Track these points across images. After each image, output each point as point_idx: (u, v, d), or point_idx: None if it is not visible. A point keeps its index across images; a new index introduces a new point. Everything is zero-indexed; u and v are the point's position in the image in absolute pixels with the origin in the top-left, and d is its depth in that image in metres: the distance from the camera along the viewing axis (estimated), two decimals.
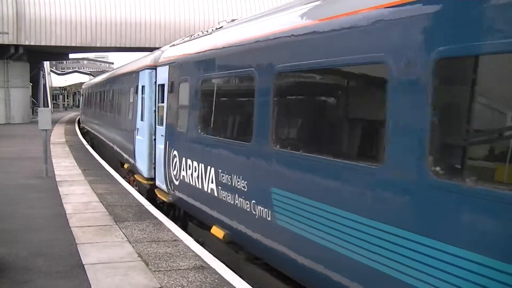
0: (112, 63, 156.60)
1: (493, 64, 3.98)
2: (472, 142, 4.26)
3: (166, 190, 11.87)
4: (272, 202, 6.70)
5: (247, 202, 7.40)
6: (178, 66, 11.35)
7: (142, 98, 14.44)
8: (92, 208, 11.55)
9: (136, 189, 14.54)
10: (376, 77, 5.32)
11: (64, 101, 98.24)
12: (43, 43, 43.61)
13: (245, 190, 7.50)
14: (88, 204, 11.98)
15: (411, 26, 4.55)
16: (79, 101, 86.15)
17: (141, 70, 14.78)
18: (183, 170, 10.32)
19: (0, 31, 40.00)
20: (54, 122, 40.24)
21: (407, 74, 4.55)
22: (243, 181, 7.57)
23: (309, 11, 6.44)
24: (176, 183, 10.85)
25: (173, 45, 13.26)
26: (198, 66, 9.97)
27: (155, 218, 10.78)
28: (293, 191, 6.27)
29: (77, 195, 13.09)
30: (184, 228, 10.65)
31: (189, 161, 10.01)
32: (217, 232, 8.62)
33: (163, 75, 12.48)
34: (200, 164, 9.35)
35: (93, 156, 22.50)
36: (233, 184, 7.85)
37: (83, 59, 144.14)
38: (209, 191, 8.87)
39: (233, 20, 10.19)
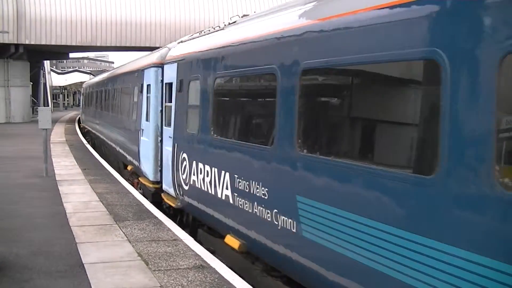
0: (113, 63, 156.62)
1: None
2: None
3: (174, 195, 11.32)
4: (298, 212, 6.07)
5: (268, 211, 6.79)
6: (188, 64, 10.67)
7: (148, 98, 13.78)
8: (92, 208, 11.56)
9: (140, 192, 14.01)
10: (425, 75, 4.64)
11: (64, 100, 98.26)
12: (43, 42, 43.61)
13: (266, 198, 6.87)
14: (88, 204, 11.99)
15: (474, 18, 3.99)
16: (79, 100, 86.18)
17: (147, 68, 14.10)
18: (194, 174, 9.69)
19: (0, 30, 40.01)
20: (54, 121, 40.21)
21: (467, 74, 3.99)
22: (263, 188, 6.96)
23: (342, 2, 5.76)
24: (186, 188, 10.29)
25: (181, 41, 12.54)
26: (210, 64, 9.25)
27: (155, 217, 10.78)
28: (323, 201, 5.64)
29: (77, 195, 13.09)
30: (193, 235, 10.00)
31: (200, 165, 9.38)
32: (232, 241, 8.01)
33: (171, 73, 11.81)
34: (213, 168, 8.73)
35: (93, 156, 22.51)
36: (252, 191, 7.24)
37: (83, 58, 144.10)
38: (223, 197, 8.26)
39: (245, 16, 9.53)
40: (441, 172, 4.13)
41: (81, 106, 47.17)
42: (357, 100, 5.74)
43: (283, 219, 6.43)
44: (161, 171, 12.61)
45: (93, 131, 30.06)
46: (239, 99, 8.74)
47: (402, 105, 5.03)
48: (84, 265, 7.59)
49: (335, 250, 5.40)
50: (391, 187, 4.70)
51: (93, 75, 68.19)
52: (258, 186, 7.08)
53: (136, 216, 10.85)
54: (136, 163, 15.25)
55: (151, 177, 13.18)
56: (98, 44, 45.40)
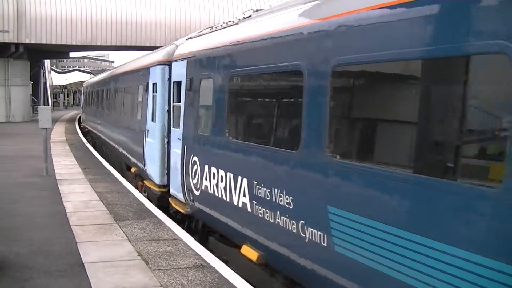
0: (113, 62, 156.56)
1: None
2: None
3: (183, 200, 10.69)
4: (329, 224, 5.47)
5: (293, 222, 6.18)
6: (198, 61, 9.99)
7: (153, 97, 13.12)
8: (92, 207, 11.56)
9: (144, 195, 13.53)
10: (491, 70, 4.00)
11: (65, 99, 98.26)
12: (43, 42, 43.66)
13: (291, 207, 6.26)
14: (88, 203, 11.99)
15: None
16: (79, 99, 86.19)
17: (152, 66, 13.44)
18: (206, 179, 9.03)
19: (0, 29, 40.02)
20: (55, 120, 40.19)
21: None
22: (287, 196, 6.34)
23: None
24: (197, 193, 9.60)
25: (190, 37, 11.86)
26: (225, 61, 8.62)
27: (155, 217, 10.78)
28: (360, 213, 5.04)
29: (77, 194, 13.09)
30: (203, 242, 9.45)
31: (213, 170, 8.71)
32: (249, 252, 7.45)
33: (179, 71, 11.17)
34: (228, 173, 8.09)
35: (93, 155, 22.51)
36: (274, 200, 6.63)
37: (83, 57, 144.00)
38: (240, 205, 7.65)
39: (258, 10, 8.94)
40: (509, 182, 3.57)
41: (81, 105, 46.87)
42: (400, 100, 5.04)
43: (311, 231, 5.82)
44: (167, 174, 12.13)
45: (94, 131, 29.54)
46: (258, 98, 8.09)
47: (458, 105, 4.27)
48: (84, 264, 7.59)
49: (375, 268, 4.79)
50: (445, 200, 4.09)
51: (93, 74, 68.19)
52: (281, 195, 6.47)
53: (136, 215, 10.84)
54: (140, 165, 14.69)
55: (157, 181, 12.63)
56: (99, 44, 45.45)
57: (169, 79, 12.25)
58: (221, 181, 8.35)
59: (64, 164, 18.85)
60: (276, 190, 6.61)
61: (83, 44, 45.67)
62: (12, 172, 16.79)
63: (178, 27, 43.91)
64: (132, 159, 16.15)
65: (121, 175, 16.77)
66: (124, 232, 9.40)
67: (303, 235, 5.99)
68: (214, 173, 8.68)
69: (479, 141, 4.16)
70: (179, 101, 11.03)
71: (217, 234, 9.44)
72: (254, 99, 8.18)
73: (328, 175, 5.60)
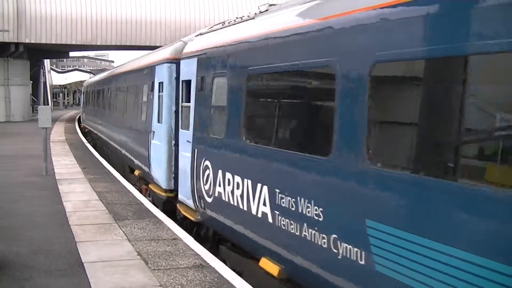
0: (113, 62, 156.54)
1: None
2: None
3: (192, 207, 10.06)
4: (368, 240, 4.88)
5: (323, 235, 5.61)
6: (211, 58, 9.32)
7: (160, 97, 12.49)
8: (92, 207, 11.56)
9: (149, 200, 12.98)
10: None
11: (64, 99, 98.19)
12: (43, 41, 43.67)
13: (320, 220, 5.68)
14: (88, 202, 11.99)
15: None
16: (79, 99, 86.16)
17: (158, 64, 12.82)
18: (219, 185, 8.42)
19: (0, 28, 40.03)
20: (54, 120, 40.16)
21: None
22: (316, 207, 5.74)
23: None
24: (209, 200, 8.98)
25: (200, 34, 11.17)
26: (241, 58, 8.05)
27: (155, 216, 10.78)
28: (407, 228, 4.43)
29: (77, 193, 13.10)
30: (214, 251, 8.94)
31: (228, 175, 8.10)
32: (269, 266, 6.88)
33: (189, 69, 10.49)
34: (245, 180, 7.49)
35: (93, 155, 22.51)
36: (300, 210, 6.03)
37: (83, 57, 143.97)
38: (259, 215, 7.06)
39: (273, 5, 8.37)
40: None
41: (81, 105, 46.50)
42: (457, 100, 4.30)
43: (346, 247, 5.22)
44: (175, 178, 11.59)
45: (95, 132, 28.94)
46: (280, 99, 7.34)
47: None
48: (84, 264, 7.59)
49: None
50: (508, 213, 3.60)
51: (93, 74, 68.18)
52: (309, 205, 5.87)
53: (136, 215, 10.85)
54: (145, 168, 14.01)
55: (163, 185, 12.05)
56: (98, 43, 45.48)
57: (177, 78, 11.70)
58: (237, 188, 7.75)
59: (64, 163, 18.86)
60: (302, 200, 5.99)
61: (83, 44, 45.69)
62: (12, 171, 16.79)
63: (178, 27, 43.94)
64: (136, 162, 15.53)
65: (124, 177, 16.34)
66: (123, 232, 9.41)
67: (335, 250, 5.39)
68: (229, 179, 8.08)
69: None
70: (189, 101, 10.46)
71: (229, 243, 8.92)
72: (276, 99, 7.43)
73: (366, 185, 4.99)
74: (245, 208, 7.49)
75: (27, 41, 43.11)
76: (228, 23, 9.67)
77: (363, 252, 4.97)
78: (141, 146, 14.60)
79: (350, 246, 5.16)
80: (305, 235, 5.95)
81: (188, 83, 10.62)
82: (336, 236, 5.40)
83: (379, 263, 4.75)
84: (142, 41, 44.45)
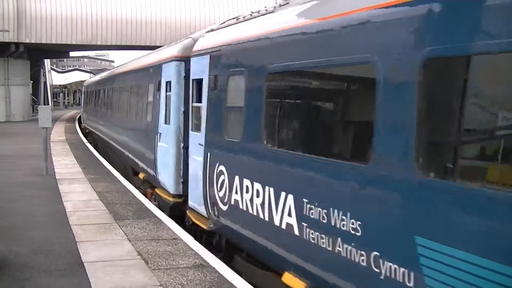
0: (113, 61, 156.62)
1: None
2: None
3: (205, 214, 9.43)
4: (418, 260, 4.31)
5: (362, 252, 5.03)
6: (225, 56, 8.72)
7: (167, 97, 11.95)
8: (92, 206, 11.56)
9: (154, 204, 12.43)
10: None
11: (65, 99, 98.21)
12: (43, 41, 43.70)
13: (358, 234, 5.08)
14: (88, 202, 11.99)
15: None
16: (79, 99, 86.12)
17: (165, 63, 12.25)
18: (236, 192, 7.81)
19: (0, 28, 40.05)
20: (55, 120, 40.10)
21: None
22: (353, 220, 5.15)
23: None
24: (223, 208, 8.37)
25: (212, 30, 10.43)
26: (261, 55, 7.42)
27: (155, 216, 10.79)
28: (469, 250, 3.86)
29: (77, 193, 13.10)
30: (227, 260, 8.49)
31: (246, 182, 7.51)
32: (294, 282, 6.34)
33: (200, 67, 9.81)
34: (266, 187, 6.89)
35: (93, 154, 22.51)
36: (333, 223, 5.45)
37: (83, 57, 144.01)
38: (283, 226, 6.46)
39: None
40: None
41: (82, 105, 46.17)
42: None
43: (390, 266, 4.67)
44: (183, 182, 11.08)
45: (96, 132, 28.30)
46: (306, 98, 6.73)
47: None
48: (84, 263, 7.59)
49: None
50: None
51: (93, 74, 68.20)
52: (344, 218, 5.28)
53: (136, 215, 10.85)
54: (151, 171, 13.36)
55: (171, 190, 11.49)
56: (98, 43, 45.52)
57: (185, 76, 11.14)
58: (257, 196, 7.14)
59: (64, 163, 18.86)
60: (336, 211, 5.41)
61: (83, 44, 45.73)
62: (12, 171, 16.80)
63: (178, 26, 43.96)
64: (141, 164, 14.85)
65: (127, 179, 15.89)
66: (123, 232, 9.41)
67: (376, 269, 4.83)
68: (247, 186, 7.46)
69: None
70: (200, 102, 9.77)
71: (244, 253, 8.38)
72: (303, 99, 6.83)
73: (416, 197, 4.40)
74: (266, 218, 6.88)
75: (27, 41, 43.14)
76: (243, 18, 8.95)
77: (411, 273, 4.40)
78: (146, 148, 14.00)
79: (395, 266, 4.59)
80: (338, 250, 5.36)
81: (199, 82, 9.96)
82: (377, 253, 4.81)
83: (433, 287, 4.19)
84: (142, 41, 44.46)
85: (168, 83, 11.95)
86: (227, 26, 9.56)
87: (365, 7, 5.18)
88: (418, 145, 4.39)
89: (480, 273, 3.75)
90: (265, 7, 8.39)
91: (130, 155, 16.83)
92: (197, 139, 9.78)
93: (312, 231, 5.85)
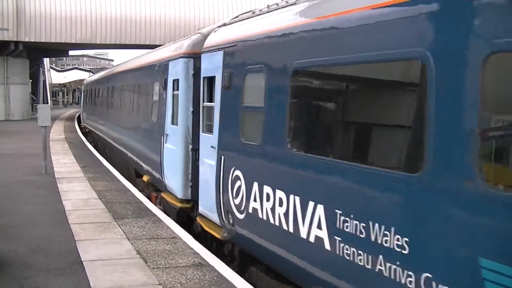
0: (112, 60, 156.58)
1: None
2: None
3: (217, 222, 8.82)
4: (483, 285, 3.79)
5: (409, 272, 4.45)
6: (242, 51, 8.10)
7: (174, 96, 11.39)
8: (91, 205, 11.56)
9: (160, 208, 11.95)
10: None
11: (64, 98, 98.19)
12: (43, 40, 43.68)
13: (405, 252, 4.49)
14: (87, 201, 11.99)
15: None
16: (78, 98, 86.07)
17: (172, 60, 11.67)
18: (255, 200, 7.21)
19: (0, 27, 40.02)
20: (54, 119, 40.19)
21: None
22: (398, 236, 4.55)
23: None
24: (240, 216, 7.76)
25: (225, 24, 9.69)
26: (285, 49, 6.78)
27: (154, 215, 10.79)
28: None
29: (76, 192, 13.10)
30: (240, 271, 8.01)
31: (267, 189, 6.90)
32: None
33: (212, 64, 9.23)
34: (291, 196, 6.28)
35: (93, 153, 22.51)
36: (374, 239, 4.86)
37: (83, 56, 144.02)
38: (311, 239, 5.87)
39: None
40: None
41: (81, 104, 45.64)
42: None
43: None
44: (192, 187, 10.55)
45: (97, 132, 27.64)
46: (343, 98, 6.03)
47: None
48: (83, 262, 7.60)
49: None
50: None
51: (92, 72, 68.13)
52: (387, 233, 4.69)
53: (135, 213, 10.85)
54: (156, 174, 12.75)
55: (179, 194, 10.89)
56: (98, 42, 45.48)
57: (194, 74, 10.62)
58: (280, 205, 6.54)
59: (63, 162, 18.85)
60: (377, 226, 4.82)
61: (83, 43, 45.67)
62: (11, 170, 16.79)
63: (178, 25, 43.94)
64: (145, 167, 14.17)
65: (129, 181, 15.50)
66: (123, 231, 9.41)
67: None
68: (268, 194, 6.86)
69: None
70: (212, 101, 9.24)
71: (262, 264, 7.78)
72: (335, 99, 6.14)
73: (480, 214, 3.86)
74: (291, 230, 6.28)
75: (27, 39, 43.11)
76: (260, 11, 8.33)
77: None
78: (151, 150, 13.35)
79: None
80: (380, 269, 4.79)
81: (210, 80, 9.40)
82: (430, 275, 4.24)
83: None
84: (141, 40, 44.43)
85: (176, 81, 11.39)
86: (242, 20, 8.86)
87: None
88: (481, 153, 3.81)
89: None
90: None
91: (133, 157, 16.22)
92: (209, 141, 9.14)
93: (347, 247, 5.26)
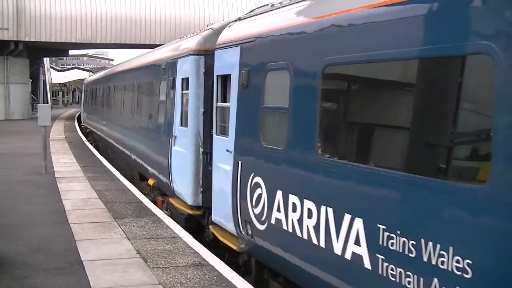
0: (112, 60, 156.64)
1: None
2: None
3: (233, 232, 8.24)
4: None
5: None
6: (262, 47, 7.45)
7: (183, 95, 10.82)
8: (91, 205, 11.56)
9: (166, 214, 11.40)
10: None
11: (64, 97, 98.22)
12: (43, 39, 43.72)
13: (467, 276, 3.89)
14: (87, 201, 11.99)
15: None
16: (78, 97, 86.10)
17: (182, 57, 10.99)
18: (278, 210, 6.61)
19: (0, 27, 40.03)
20: (54, 118, 40.19)
21: None
22: (458, 258, 3.97)
23: None
24: (260, 227, 7.18)
25: (240, 19, 8.99)
26: (314, 44, 6.07)
27: (154, 215, 10.79)
28: None
29: (76, 192, 13.09)
30: (256, 282, 7.66)
31: (292, 198, 6.31)
32: None
33: (227, 61, 8.62)
34: (323, 207, 5.68)
35: (93, 153, 22.52)
36: (426, 259, 4.26)
37: (83, 55, 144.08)
38: (347, 256, 5.27)
39: None
40: None
41: (81, 104, 45.25)
42: None
43: None
44: (202, 192, 10.03)
45: (98, 133, 26.99)
46: (387, 97, 5.31)
47: None
48: (83, 262, 7.60)
49: None
50: None
51: (92, 72, 68.16)
52: (444, 253, 4.10)
53: (135, 213, 10.85)
54: (163, 179, 12.16)
55: (189, 200, 10.28)
56: (98, 41, 45.56)
57: (205, 72, 10.00)
58: (309, 216, 5.95)
59: (63, 162, 18.85)
60: (430, 244, 4.23)
61: (83, 42, 45.72)
62: (11, 170, 16.78)
63: (178, 24, 43.96)
64: (151, 170, 13.54)
65: (133, 184, 15.01)
66: (123, 230, 9.41)
67: None
68: (294, 204, 6.27)
69: None
70: (227, 101, 8.67)
71: (281, 278, 7.22)
72: (379, 98, 5.40)
73: None
74: (322, 245, 5.71)
75: (27, 39, 43.13)
76: (280, 3, 7.65)
77: None
78: (158, 152, 12.71)
79: None
80: None
81: (224, 78, 8.82)
82: None
83: None
84: (141, 39, 44.46)
85: (185, 80, 10.72)
86: (260, 14, 8.18)
87: None
88: None
89: None
90: None
91: (137, 159, 15.56)
92: (223, 144, 8.49)
93: (392, 266, 4.66)
